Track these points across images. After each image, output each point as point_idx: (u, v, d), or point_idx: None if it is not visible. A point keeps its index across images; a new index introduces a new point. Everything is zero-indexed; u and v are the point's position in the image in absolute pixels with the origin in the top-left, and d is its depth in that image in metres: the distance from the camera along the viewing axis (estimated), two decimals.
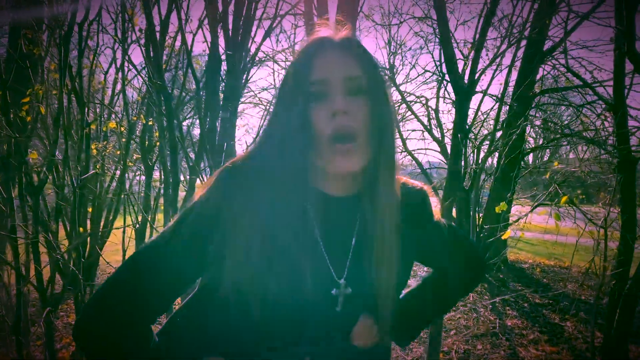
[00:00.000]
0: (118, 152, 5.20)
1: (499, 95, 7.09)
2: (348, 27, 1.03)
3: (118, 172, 5.33)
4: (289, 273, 0.92)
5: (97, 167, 4.27)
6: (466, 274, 1.26)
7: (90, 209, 4.58)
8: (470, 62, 6.93)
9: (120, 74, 5.11)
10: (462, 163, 5.19)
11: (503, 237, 3.34)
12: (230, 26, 3.02)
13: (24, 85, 3.27)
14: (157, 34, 3.18)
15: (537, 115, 7.66)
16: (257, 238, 0.91)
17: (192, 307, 1.06)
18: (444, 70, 8.38)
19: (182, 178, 3.67)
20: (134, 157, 5.05)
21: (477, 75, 2.21)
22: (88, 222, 3.97)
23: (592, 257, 3.80)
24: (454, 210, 5.79)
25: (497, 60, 6.97)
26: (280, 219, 0.93)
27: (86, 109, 3.02)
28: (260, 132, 1.07)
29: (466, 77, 3.26)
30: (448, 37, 2.18)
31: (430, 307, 1.25)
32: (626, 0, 3.27)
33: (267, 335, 0.94)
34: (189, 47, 3.32)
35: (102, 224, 4.83)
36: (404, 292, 1.24)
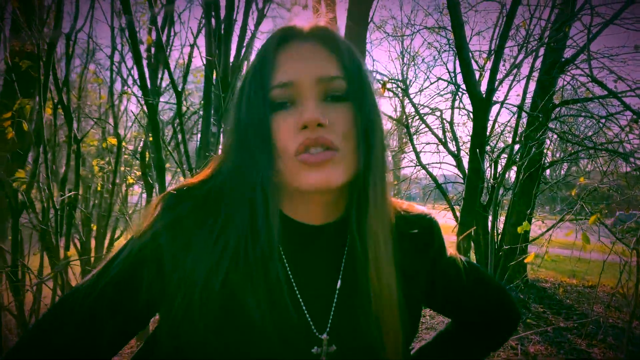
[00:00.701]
0: (123, 168, 5.05)
1: (518, 106, 6.83)
2: (327, 15, 0.80)
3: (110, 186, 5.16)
4: (251, 330, 0.69)
5: (100, 185, 4.08)
6: (495, 327, 1.00)
7: (94, 226, 4.40)
8: (487, 71, 6.66)
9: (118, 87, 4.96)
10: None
11: (526, 261, 3.07)
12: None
13: (12, 99, 3.10)
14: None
15: (556, 127, 7.37)
16: (208, 285, 0.70)
17: None
18: (459, 81, 8.17)
19: None
20: (136, 174, 4.88)
21: (496, 83, 1.99)
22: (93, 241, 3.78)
23: (619, 277, 3.51)
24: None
25: (514, 70, 6.73)
26: (238, 258, 0.71)
27: (75, 123, 2.82)
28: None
29: (483, 87, 3.03)
30: (463, 40, 1.94)
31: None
32: None
33: None
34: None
35: (106, 245, 4.65)
36: (412, 349, 0.99)
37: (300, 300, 0.75)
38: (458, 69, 9.25)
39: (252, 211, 0.73)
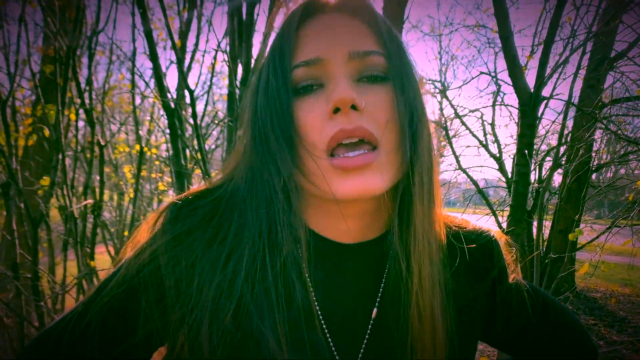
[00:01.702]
0: (155, 175, 5.00)
1: (565, 104, 6.52)
2: None
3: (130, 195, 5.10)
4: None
5: (86, 194, 4.02)
6: None
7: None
8: (530, 69, 6.36)
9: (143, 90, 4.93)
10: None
11: (581, 272, 2.82)
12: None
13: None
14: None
15: (605, 127, 7.00)
16: (217, 316, 0.56)
17: None
18: (500, 81, 7.87)
19: None
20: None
21: (546, 76, 1.77)
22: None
23: None
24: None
25: (561, 67, 6.43)
26: (254, 281, 0.58)
27: (98, 128, 2.73)
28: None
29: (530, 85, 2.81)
30: (508, 29, 1.74)
31: None
32: None
33: None
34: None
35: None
36: None
37: (328, 335, 0.61)
38: (499, 68, 8.93)
39: (271, 222, 0.59)
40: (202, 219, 0.61)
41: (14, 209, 2.34)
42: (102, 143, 2.80)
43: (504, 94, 8.08)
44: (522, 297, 0.75)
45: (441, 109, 8.38)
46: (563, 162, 6.54)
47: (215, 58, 3.68)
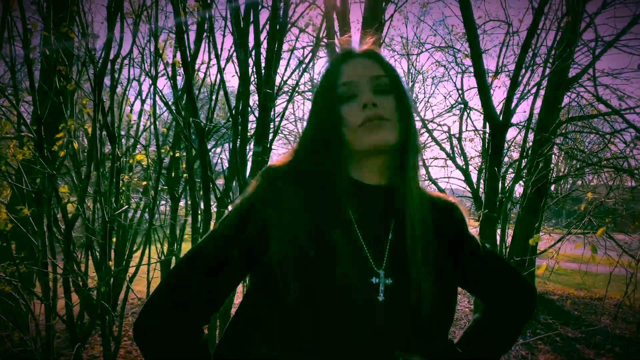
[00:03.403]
0: (144, 183, 5.26)
1: (525, 123, 7.03)
2: (370, 41, 1.09)
3: (141, 204, 5.38)
4: (330, 260, 0.91)
5: (122, 200, 4.29)
6: (516, 301, 1.17)
7: (114, 239, 4.60)
8: (495, 94, 6.87)
9: (147, 107, 5.20)
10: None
11: (539, 272, 3.24)
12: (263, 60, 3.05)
13: (55, 119, 3.32)
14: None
15: (563, 143, 7.56)
16: (299, 228, 0.92)
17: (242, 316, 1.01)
18: (467, 98, 8.38)
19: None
20: (159, 189, 5.08)
21: (512, 106, 2.17)
22: (112, 252, 3.97)
23: (626, 289, 3.68)
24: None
25: (529, 86, 6.96)
26: (323, 213, 0.95)
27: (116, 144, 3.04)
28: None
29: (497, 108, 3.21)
30: (482, 69, 2.16)
31: (491, 347, 1.17)
32: None
33: (316, 329, 0.90)
34: (219, 79, 3.35)
35: (126, 255, 4.84)
36: (457, 337, 1.18)
37: (363, 243, 0.97)
38: (466, 86, 9.43)
39: (329, 175, 0.98)
40: (287, 175, 0.98)
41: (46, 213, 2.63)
42: (119, 155, 3.11)
43: (470, 109, 8.58)
44: (478, 243, 1.12)
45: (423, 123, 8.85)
46: (524, 175, 7.05)
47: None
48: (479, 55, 2.19)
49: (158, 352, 0.91)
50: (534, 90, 7.09)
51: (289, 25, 5.84)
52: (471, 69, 7.97)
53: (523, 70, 7.24)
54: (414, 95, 9.02)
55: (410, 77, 9.45)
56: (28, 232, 2.85)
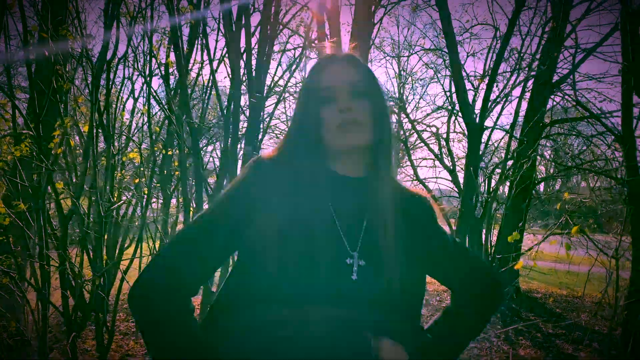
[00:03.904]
0: (136, 181, 5.35)
1: (510, 126, 7.21)
2: (351, 47, 1.23)
3: (134, 200, 5.48)
4: (308, 238, 1.03)
5: (116, 196, 4.39)
6: (484, 289, 1.26)
7: (106, 236, 4.70)
8: (481, 96, 7.02)
9: (139, 105, 5.30)
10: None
11: (515, 267, 3.39)
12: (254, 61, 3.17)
13: (52, 117, 3.42)
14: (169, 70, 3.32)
15: (547, 145, 7.74)
16: (281, 209, 1.05)
17: (230, 286, 1.13)
18: (455, 100, 8.55)
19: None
20: (152, 186, 5.18)
21: (487, 112, 2.31)
22: (104, 249, 4.08)
23: (605, 287, 3.84)
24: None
25: (507, 90, 7.13)
26: (304, 199, 1.07)
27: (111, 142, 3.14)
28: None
29: (477, 108, 3.35)
30: (461, 81, 2.30)
31: (458, 334, 1.28)
32: (632, 36, 3.38)
33: (292, 299, 1.01)
34: (211, 83, 3.47)
35: (117, 251, 4.94)
36: (427, 324, 1.30)
37: (339, 227, 1.10)
38: (454, 89, 9.59)
39: (310, 167, 1.11)
40: (274, 165, 1.11)
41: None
42: (114, 152, 3.21)
43: (458, 111, 8.74)
44: (447, 235, 1.25)
45: (400, 124, 9.01)
46: (510, 176, 7.21)
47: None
48: (459, 69, 2.33)
49: (150, 318, 1.02)
50: (518, 94, 7.28)
51: (281, 27, 5.96)
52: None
53: (509, 75, 7.40)
54: (404, 97, 9.18)
55: (401, 79, 9.61)
56: (24, 227, 2.95)
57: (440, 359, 1.20)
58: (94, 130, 2.78)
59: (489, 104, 2.32)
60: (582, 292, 6.70)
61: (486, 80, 8.20)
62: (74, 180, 3.09)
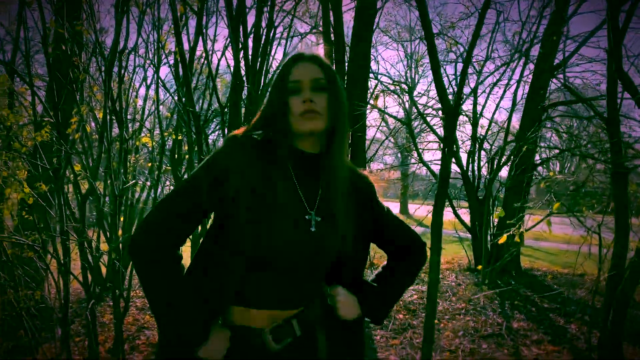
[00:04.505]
0: (149, 165, 5.65)
1: (509, 110, 7.36)
2: (318, 48, 1.50)
3: (148, 183, 5.79)
4: (273, 195, 1.30)
5: (129, 178, 4.68)
6: (412, 250, 1.59)
7: (122, 218, 5.01)
8: (484, 74, 7.17)
9: (151, 92, 5.57)
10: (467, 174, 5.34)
11: (500, 241, 3.62)
12: (251, 52, 3.42)
13: (68, 105, 3.71)
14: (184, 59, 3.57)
15: (548, 126, 7.88)
16: (256, 182, 1.30)
17: (207, 243, 1.40)
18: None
19: None
20: (163, 169, 5.48)
21: (463, 99, 2.49)
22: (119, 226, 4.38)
23: (599, 265, 4.07)
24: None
25: (508, 74, 7.25)
26: (271, 168, 1.33)
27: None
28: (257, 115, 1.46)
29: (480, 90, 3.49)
30: (438, 66, 2.52)
31: (397, 284, 1.56)
32: (612, 21, 3.56)
33: (265, 255, 1.28)
34: (214, 74, 3.72)
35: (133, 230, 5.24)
36: (369, 277, 1.57)
37: (300, 192, 1.36)
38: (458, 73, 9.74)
39: (277, 143, 1.35)
40: (247, 141, 1.35)
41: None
42: (127, 137, 3.49)
43: (466, 95, 8.88)
44: (382, 206, 1.52)
45: (404, 109, 9.19)
46: (511, 158, 7.39)
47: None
48: (435, 53, 2.56)
49: (146, 261, 1.29)
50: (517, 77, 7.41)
51: (285, 14, 6.17)
52: (464, 56, 8.30)
53: (510, 58, 7.50)
54: (408, 80, 9.35)
55: (408, 62, 9.79)
56: (45, 206, 3.25)
57: (382, 304, 1.50)
58: (108, 117, 3.06)
59: (463, 89, 2.51)
60: (583, 271, 6.87)
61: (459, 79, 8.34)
62: (90, 163, 3.37)
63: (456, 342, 4.64)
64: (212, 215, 1.45)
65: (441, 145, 9.48)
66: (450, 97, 2.66)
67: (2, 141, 3.28)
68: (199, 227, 3.40)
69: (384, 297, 1.51)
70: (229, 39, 3.92)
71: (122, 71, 3.31)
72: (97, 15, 3.39)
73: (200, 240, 1.48)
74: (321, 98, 1.35)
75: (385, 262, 1.62)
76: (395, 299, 1.59)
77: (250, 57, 3.08)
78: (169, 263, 1.30)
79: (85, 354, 3.78)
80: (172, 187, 5.95)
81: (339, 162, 1.39)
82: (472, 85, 7.54)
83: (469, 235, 8.15)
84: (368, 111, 7.45)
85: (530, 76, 7.56)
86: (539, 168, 8.23)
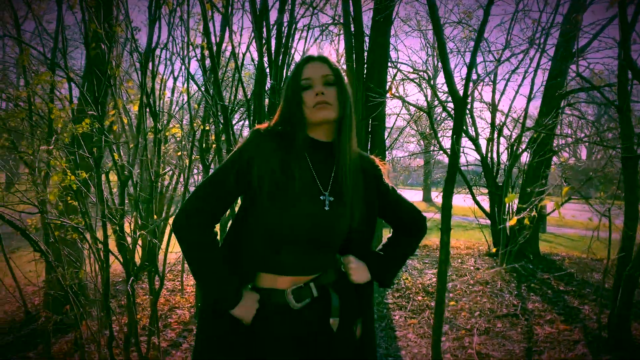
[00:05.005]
0: (178, 154, 5.94)
1: (532, 95, 7.45)
2: (329, 50, 1.76)
3: (177, 170, 6.09)
4: (292, 180, 1.52)
5: (162, 166, 4.97)
6: (413, 224, 1.80)
7: (154, 202, 5.31)
8: (502, 64, 7.25)
9: (178, 84, 5.85)
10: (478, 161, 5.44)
11: (509, 224, 3.80)
12: (273, 48, 3.65)
13: (103, 98, 4.00)
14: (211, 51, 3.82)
15: (567, 112, 7.95)
16: (278, 169, 1.53)
17: (237, 222, 1.64)
18: (479, 71, 8.78)
19: None
20: (192, 158, 5.76)
21: (471, 86, 2.66)
22: (154, 209, 4.68)
23: (609, 247, 4.23)
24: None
25: (527, 62, 7.25)
26: (289, 156, 1.56)
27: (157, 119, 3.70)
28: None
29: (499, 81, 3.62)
30: (445, 56, 2.71)
31: (400, 252, 1.80)
32: (622, 13, 3.69)
33: (287, 230, 1.52)
34: (240, 67, 3.96)
35: (165, 214, 5.56)
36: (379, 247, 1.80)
37: (315, 176, 1.59)
38: (479, 59, 9.81)
39: (294, 134, 1.57)
40: (267, 134, 1.58)
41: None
42: (160, 128, 3.76)
43: (484, 82, 8.98)
44: (388, 186, 1.72)
45: (425, 96, 9.34)
46: (530, 145, 7.49)
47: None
48: (443, 44, 2.75)
49: (187, 237, 1.54)
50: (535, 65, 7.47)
51: (306, 7, 6.37)
52: (482, 46, 8.38)
53: (529, 45, 7.59)
54: (429, 68, 9.48)
55: (427, 51, 9.90)
56: (86, 191, 3.55)
57: (388, 269, 1.74)
58: (143, 110, 3.33)
59: (470, 81, 2.68)
60: (603, 256, 6.97)
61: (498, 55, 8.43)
62: (126, 153, 3.65)
63: (472, 322, 4.85)
64: (239, 200, 1.70)
65: (458, 135, 9.63)
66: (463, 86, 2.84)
67: (47, 133, 3.59)
68: (228, 212, 3.68)
69: (389, 264, 1.74)
70: (252, 34, 4.15)
71: (155, 69, 3.58)
72: (129, 14, 3.65)
73: (229, 224, 1.74)
74: (331, 91, 1.57)
75: (390, 235, 1.85)
76: (399, 266, 1.82)
77: (273, 52, 3.31)
78: (207, 238, 1.56)
79: (124, 329, 4.10)
80: (200, 174, 6.24)
81: (348, 148, 1.61)
82: (491, 75, 7.63)
83: (489, 222, 8.29)
84: (388, 99, 7.63)
85: (549, 63, 7.63)
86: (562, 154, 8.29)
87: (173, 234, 1.64)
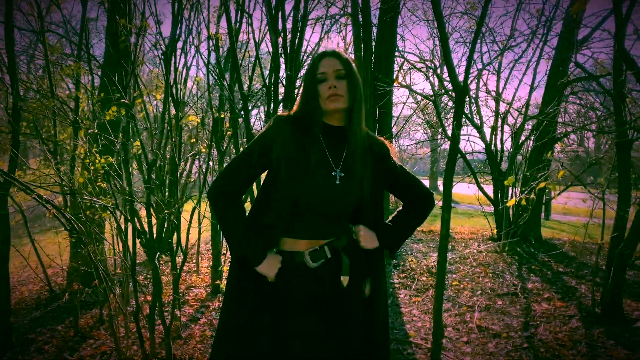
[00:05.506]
0: (192, 140, 6.20)
1: (534, 84, 7.66)
2: (339, 45, 2.02)
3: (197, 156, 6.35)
4: (307, 157, 1.79)
5: (183, 152, 5.25)
6: (421, 199, 2.05)
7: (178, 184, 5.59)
8: (507, 53, 7.45)
9: (192, 73, 6.08)
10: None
11: (508, 204, 4.05)
12: (288, 42, 3.91)
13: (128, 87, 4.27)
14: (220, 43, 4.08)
15: (570, 101, 8.15)
16: (295, 149, 1.79)
17: (260, 198, 1.91)
18: (484, 60, 8.99)
19: None
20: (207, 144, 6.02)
21: (471, 76, 2.88)
22: (178, 191, 4.96)
23: (602, 228, 4.48)
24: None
25: (530, 51, 7.45)
26: (307, 139, 1.82)
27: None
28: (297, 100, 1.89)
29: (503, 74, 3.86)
30: (447, 48, 2.95)
31: (407, 223, 2.06)
32: (616, 8, 3.91)
33: (303, 200, 1.78)
34: (257, 58, 4.23)
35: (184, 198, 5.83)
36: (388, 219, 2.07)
37: (328, 155, 1.84)
38: (484, 50, 9.98)
39: (311, 120, 1.83)
40: (287, 120, 1.84)
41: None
42: (181, 116, 4.04)
43: (489, 72, 9.18)
44: (396, 165, 1.98)
45: (432, 85, 9.55)
46: (533, 132, 7.71)
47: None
48: (445, 38, 2.99)
49: (220, 204, 1.84)
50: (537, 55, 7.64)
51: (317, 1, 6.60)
52: (487, 36, 8.59)
53: (531, 35, 7.77)
54: (436, 57, 9.68)
55: (433, 41, 10.09)
56: (114, 174, 3.83)
57: (395, 238, 2.00)
58: (167, 99, 3.60)
59: (470, 71, 2.88)
60: (583, 237, 7.20)
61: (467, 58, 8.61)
62: (151, 138, 3.93)
63: (473, 300, 5.12)
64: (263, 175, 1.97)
65: (464, 120, 9.83)
66: (470, 75, 3.07)
67: (74, 120, 3.87)
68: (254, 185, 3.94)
69: (396, 233, 2.01)
70: (266, 27, 4.41)
71: (178, 61, 3.84)
72: (157, 10, 3.91)
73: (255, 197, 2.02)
74: (342, 84, 1.81)
75: (400, 207, 2.11)
76: (406, 235, 2.08)
77: (288, 45, 3.58)
78: (236, 204, 1.86)
79: (145, 305, 4.40)
80: (217, 159, 6.53)
81: (358, 131, 1.87)
82: (495, 64, 7.84)
83: (493, 209, 8.54)
84: (396, 88, 7.84)
85: (552, 53, 7.83)
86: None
87: (191, 216, 1.94)
